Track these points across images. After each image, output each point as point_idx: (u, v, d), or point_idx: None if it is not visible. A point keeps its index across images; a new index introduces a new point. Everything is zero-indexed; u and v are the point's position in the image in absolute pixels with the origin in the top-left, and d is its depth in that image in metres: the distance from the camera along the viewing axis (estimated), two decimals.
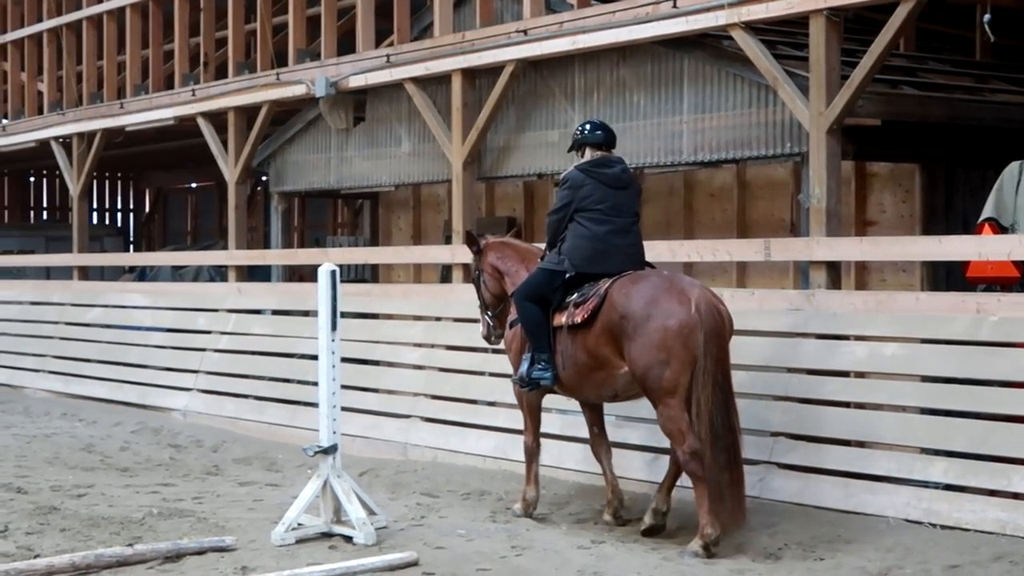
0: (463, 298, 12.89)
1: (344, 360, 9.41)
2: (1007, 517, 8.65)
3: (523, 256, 10.23)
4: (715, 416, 8.61)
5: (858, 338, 10.20)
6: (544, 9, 13.48)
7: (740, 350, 10.58)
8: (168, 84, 19.38)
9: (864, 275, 13.31)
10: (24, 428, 15.08)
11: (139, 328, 17.92)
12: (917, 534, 8.74)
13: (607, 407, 10.11)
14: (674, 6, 11.72)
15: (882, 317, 10.08)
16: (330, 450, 9.06)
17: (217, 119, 17.72)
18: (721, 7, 11.24)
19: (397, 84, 14.95)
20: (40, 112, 22.06)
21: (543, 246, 10.07)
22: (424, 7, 15.82)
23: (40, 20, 21.92)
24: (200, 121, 17.85)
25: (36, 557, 8.38)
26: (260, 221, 25.33)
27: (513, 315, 9.95)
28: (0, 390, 18.99)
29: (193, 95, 18.00)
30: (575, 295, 9.29)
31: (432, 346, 13.43)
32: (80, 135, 20.31)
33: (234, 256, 17.46)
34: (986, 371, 9.26)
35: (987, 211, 10.00)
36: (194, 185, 31.50)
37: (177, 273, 22.74)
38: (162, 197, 33.27)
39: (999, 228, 9.88)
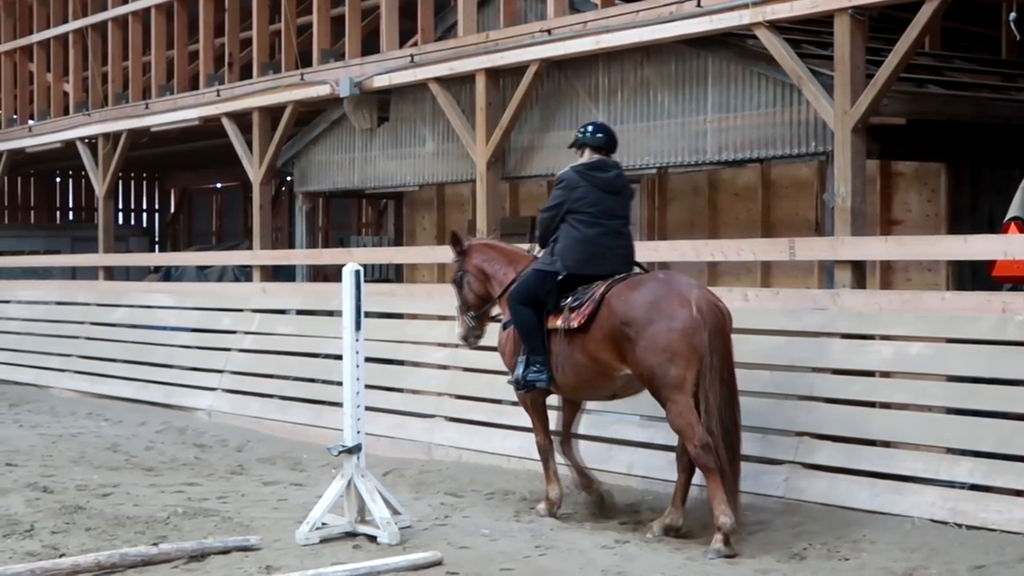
0: None
1: (368, 360, 9.42)
2: None
3: (510, 259, 10.32)
4: (724, 412, 8.76)
5: (883, 338, 10.16)
6: (568, 9, 13.47)
7: (765, 350, 10.61)
8: (193, 84, 19.44)
9: (889, 274, 13.26)
10: (50, 428, 15.14)
11: (164, 328, 17.97)
12: (943, 534, 8.71)
13: (633, 406, 10.13)
14: (698, 5, 11.70)
15: (907, 317, 10.04)
16: (354, 450, 9.07)
17: (242, 119, 17.76)
18: (745, 6, 11.21)
19: (421, 84, 14.96)
20: (66, 113, 22.15)
21: (527, 247, 10.29)
22: (448, 7, 15.83)
23: (66, 21, 22.00)
24: (225, 121, 17.89)
25: (61, 556, 8.41)
26: (285, 221, 25.37)
27: (506, 317, 10.04)
28: (26, 390, 19.08)
29: (218, 95, 18.05)
30: (569, 298, 9.41)
31: (456, 346, 13.41)
32: (106, 136, 20.38)
33: (259, 256, 17.51)
34: (1012, 371, 9.20)
35: (1013, 210, 9.97)
36: (219, 185, 31.60)
37: (202, 273, 22.80)
38: (187, 197, 33.37)
39: None
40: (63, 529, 9.33)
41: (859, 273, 10.78)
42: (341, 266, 9.40)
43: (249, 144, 17.55)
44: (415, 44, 15.43)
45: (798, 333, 10.67)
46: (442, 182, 16.27)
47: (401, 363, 14.05)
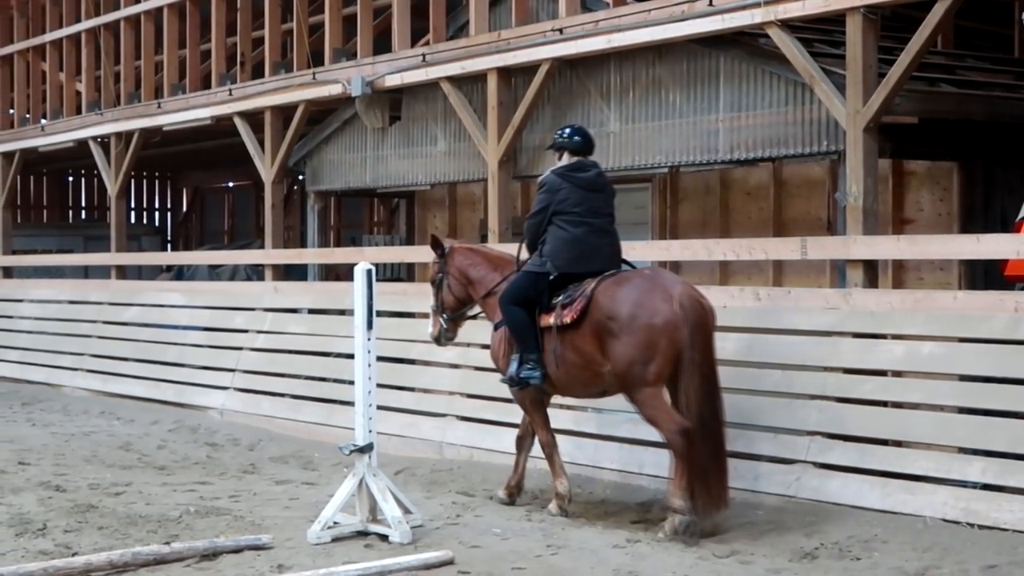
0: None
1: (380, 359, 9.45)
2: None
3: (496, 264, 10.52)
4: (703, 406, 8.96)
5: (895, 337, 10.15)
6: (580, 8, 13.47)
7: (776, 349, 10.60)
8: (205, 84, 19.47)
9: (901, 274, 13.24)
10: (62, 426, 15.18)
11: (176, 327, 18.00)
12: (955, 534, 8.70)
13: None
14: (710, 4, 11.68)
15: (919, 316, 10.02)
16: (366, 449, 9.09)
17: (254, 118, 17.77)
18: (757, 5, 11.20)
19: (433, 83, 14.96)
20: (78, 112, 22.17)
21: (511, 250, 10.41)
22: (460, 6, 15.83)
23: (78, 21, 22.04)
24: (237, 121, 17.91)
25: (74, 555, 8.44)
26: (296, 220, 25.39)
27: (496, 318, 10.18)
28: (39, 388, 19.13)
29: (230, 95, 18.07)
30: (561, 296, 9.59)
31: (468, 345, 13.42)
32: (118, 135, 20.40)
33: (270, 255, 17.52)
34: None
35: None
36: (231, 184, 31.62)
37: (214, 272, 22.83)
38: (199, 196, 33.40)
39: None
40: (76, 528, 9.36)
41: (871, 272, 10.76)
42: (353, 265, 9.42)
43: (261, 143, 17.56)
44: (427, 43, 15.44)
45: (810, 332, 10.66)
46: (454, 181, 16.27)
47: (413, 362, 14.05)
